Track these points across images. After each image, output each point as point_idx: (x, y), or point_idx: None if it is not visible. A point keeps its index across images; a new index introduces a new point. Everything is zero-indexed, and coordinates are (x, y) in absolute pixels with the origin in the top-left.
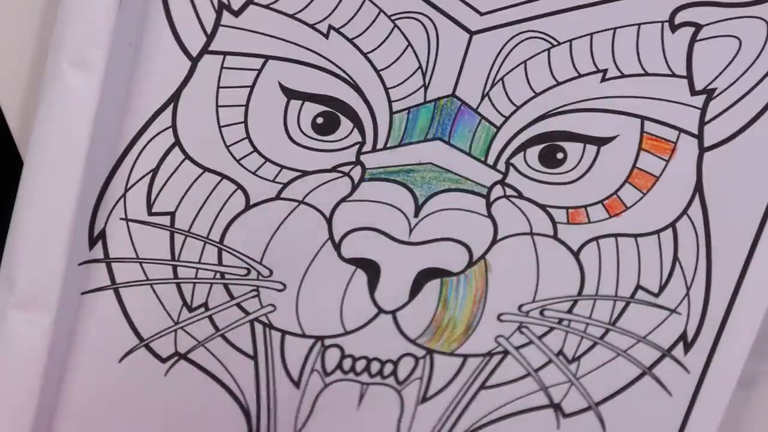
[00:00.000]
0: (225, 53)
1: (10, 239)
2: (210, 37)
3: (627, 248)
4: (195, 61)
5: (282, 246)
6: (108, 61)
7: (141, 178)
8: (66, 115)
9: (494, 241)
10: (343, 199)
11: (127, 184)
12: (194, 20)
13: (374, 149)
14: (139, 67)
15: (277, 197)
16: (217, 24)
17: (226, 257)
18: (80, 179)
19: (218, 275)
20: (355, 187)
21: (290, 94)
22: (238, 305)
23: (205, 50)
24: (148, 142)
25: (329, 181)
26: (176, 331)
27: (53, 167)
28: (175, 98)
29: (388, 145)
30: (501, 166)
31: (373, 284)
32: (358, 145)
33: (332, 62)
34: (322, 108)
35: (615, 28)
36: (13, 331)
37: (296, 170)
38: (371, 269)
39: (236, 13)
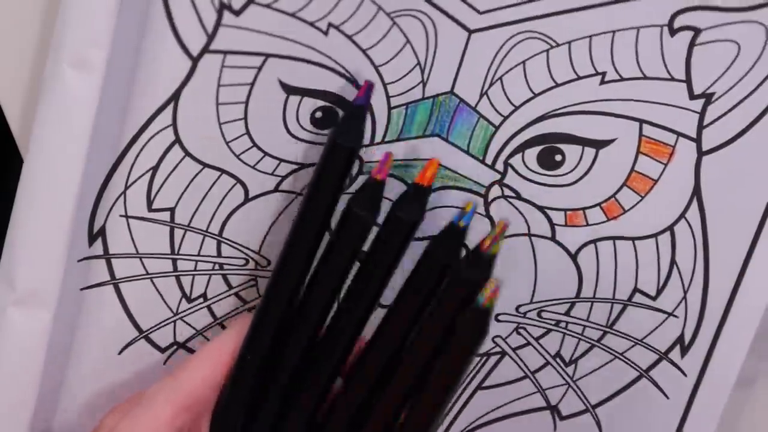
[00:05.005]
0: (225, 52)
1: (9, 237)
2: (211, 37)
3: (625, 251)
4: (195, 60)
5: (279, 236)
6: (108, 62)
7: (141, 176)
8: (66, 116)
9: None
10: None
11: (127, 182)
12: (195, 21)
13: (371, 143)
14: (140, 68)
15: (275, 189)
16: (218, 24)
17: (224, 249)
18: (80, 178)
19: (217, 266)
20: (352, 180)
21: (289, 90)
22: (236, 294)
23: (205, 50)
24: (149, 141)
25: None
26: (175, 322)
27: (53, 167)
28: (175, 97)
29: (386, 140)
30: (499, 166)
31: None
32: None
33: (331, 58)
34: (321, 103)
35: (614, 31)
36: (13, 327)
37: (295, 163)
38: None
39: (237, 13)
